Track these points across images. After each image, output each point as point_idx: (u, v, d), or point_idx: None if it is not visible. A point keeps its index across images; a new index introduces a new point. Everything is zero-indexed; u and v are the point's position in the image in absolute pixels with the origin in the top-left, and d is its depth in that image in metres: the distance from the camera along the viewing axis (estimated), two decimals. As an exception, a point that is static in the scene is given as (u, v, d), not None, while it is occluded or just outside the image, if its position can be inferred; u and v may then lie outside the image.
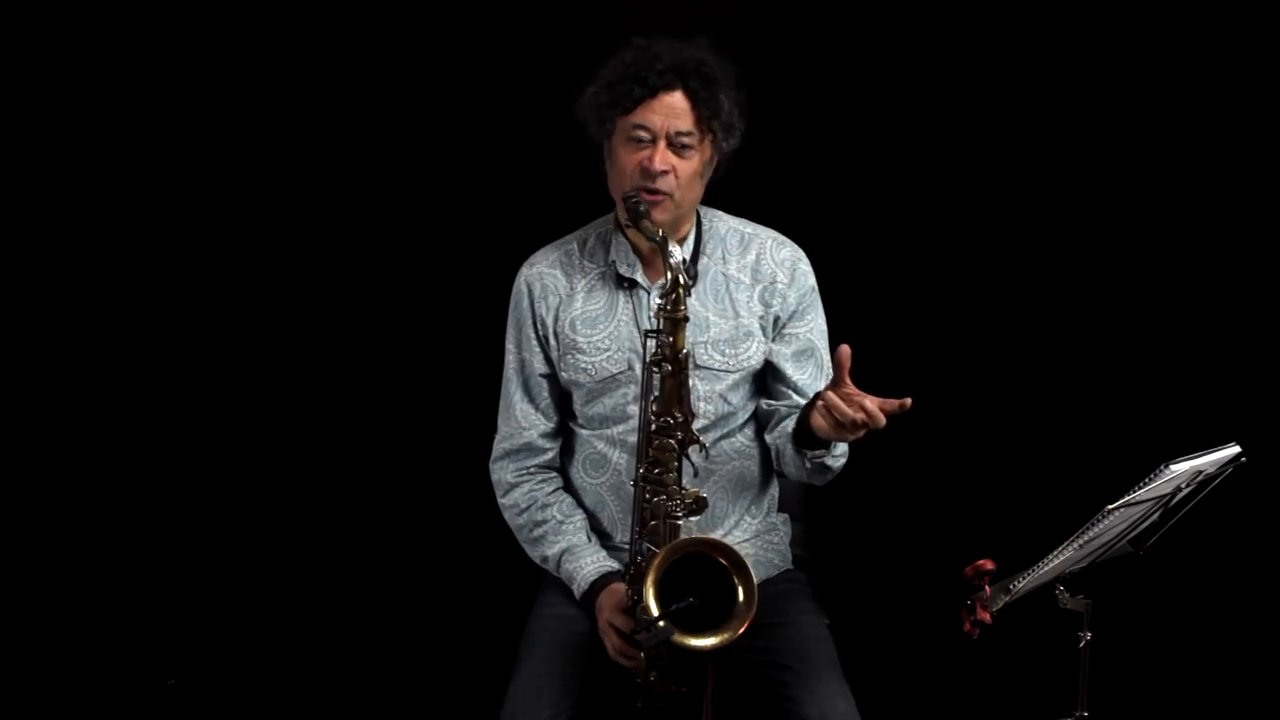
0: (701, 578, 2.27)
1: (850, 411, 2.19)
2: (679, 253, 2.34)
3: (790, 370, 2.52)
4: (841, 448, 2.42)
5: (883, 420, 2.18)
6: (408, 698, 3.40)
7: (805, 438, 2.36)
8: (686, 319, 2.32)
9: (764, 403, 2.55)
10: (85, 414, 3.34)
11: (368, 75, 3.29)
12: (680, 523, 2.37)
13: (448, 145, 3.33)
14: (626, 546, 2.50)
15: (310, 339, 3.37)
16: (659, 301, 2.34)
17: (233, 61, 3.27)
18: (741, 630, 2.27)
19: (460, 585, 3.36)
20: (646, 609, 2.25)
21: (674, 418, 2.34)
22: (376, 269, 3.37)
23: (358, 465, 3.40)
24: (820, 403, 2.24)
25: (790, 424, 2.42)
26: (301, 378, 3.38)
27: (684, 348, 2.32)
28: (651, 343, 2.36)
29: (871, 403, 2.19)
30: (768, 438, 2.54)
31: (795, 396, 2.50)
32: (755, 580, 2.29)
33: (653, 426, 2.36)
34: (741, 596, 2.28)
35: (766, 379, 2.55)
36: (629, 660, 2.38)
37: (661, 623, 2.21)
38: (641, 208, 2.35)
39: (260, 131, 3.30)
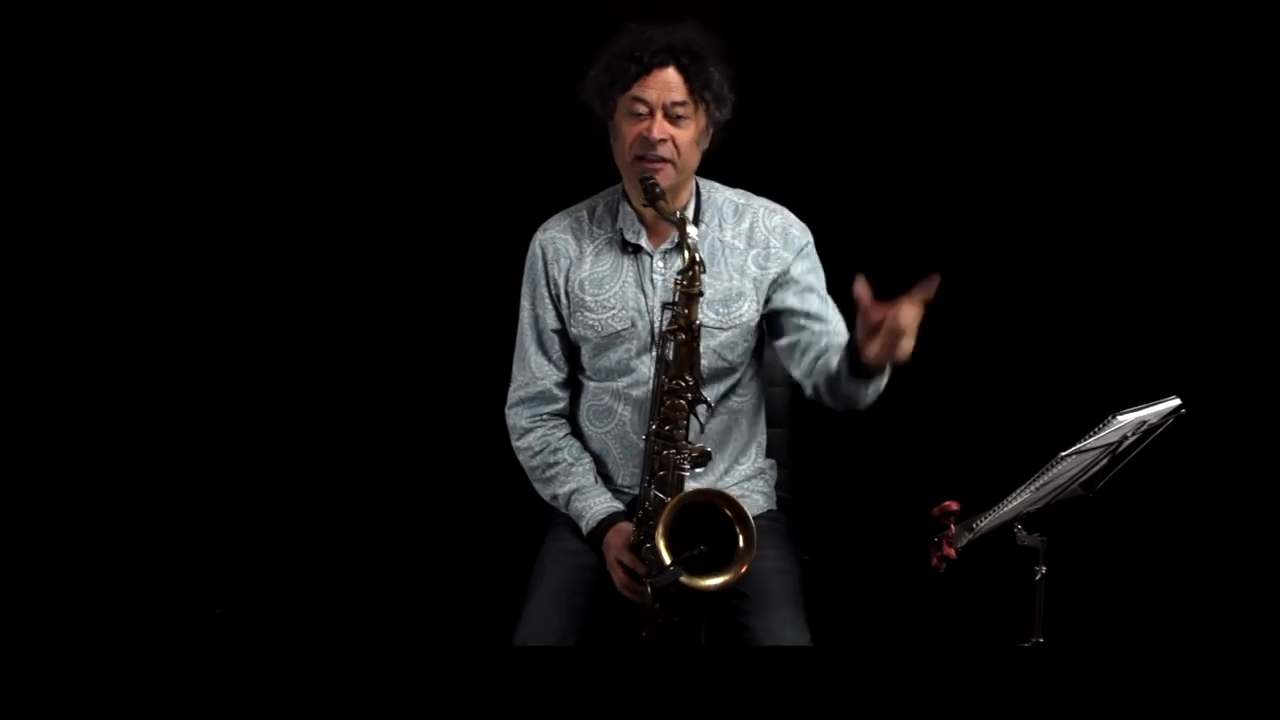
0: (705, 524, 2.43)
1: (901, 319, 2.24)
2: (695, 232, 2.49)
3: (797, 304, 2.63)
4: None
5: (913, 314, 2.24)
6: (425, 622, 3.45)
7: (859, 368, 2.38)
8: (701, 294, 2.47)
9: (782, 342, 2.65)
10: (86, 414, 3.34)
11: (378, 54, 3.33)
12: (686, 474, 2.53)
13: (464, 121, 3.37)
14: (628, 490, 2.67)
15: (321, 297, 3.42)
16: (677, 276, 2.48)
17: (237, 43, 3.29)
18: (741, 572, 2.41)
19: (474, 523, 3.42)
20: (659, 556, 2.40)
21: (685, 381, 2.50)
22: (389, 235, 3.42)
23: (374, 407, 3.44)
24: (867, 338, 2.28)
25: (833, 363, 2.48)
26: (315, 328, 3.43)
27: (697, 319, 2.48)
28: (667, 314, 2.51)
29: (905, 304, 2.24)
30: (804, 380, 2.59)
31: (808, 322, 2.61)
32: (754, 527, 2.43)
33: (665, 389, 2.50)
34: (742, 542, 2.42)
35: (780, 321, 2.65)
36: (633, 594, 2.55)
37: (672, 566, 2.37)
38: (657, 189, 2.49)
39: (271, 107, 3.32)
